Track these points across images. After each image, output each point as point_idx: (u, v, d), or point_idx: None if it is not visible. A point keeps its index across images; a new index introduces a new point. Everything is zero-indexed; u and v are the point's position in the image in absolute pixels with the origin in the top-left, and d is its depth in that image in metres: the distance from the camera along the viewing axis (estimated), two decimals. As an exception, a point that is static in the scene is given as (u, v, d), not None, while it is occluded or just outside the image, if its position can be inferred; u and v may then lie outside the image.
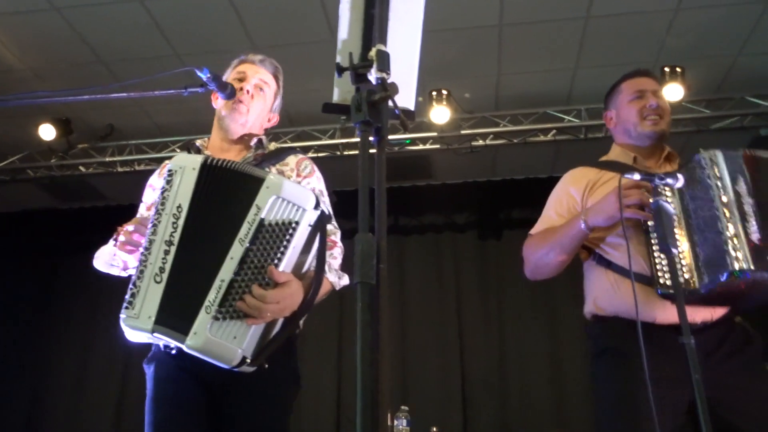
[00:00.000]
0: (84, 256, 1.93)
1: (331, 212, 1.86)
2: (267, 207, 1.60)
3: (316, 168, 1.99)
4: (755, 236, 1.77)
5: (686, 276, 1.82)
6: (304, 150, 4.93)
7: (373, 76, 0.99)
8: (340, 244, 1.89)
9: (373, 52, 1.00)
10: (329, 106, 1.14)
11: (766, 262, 1.74)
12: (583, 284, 2.16)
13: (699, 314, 1.89)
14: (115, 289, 1.96)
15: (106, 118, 5.02)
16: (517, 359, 5.10)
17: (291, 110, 4.86)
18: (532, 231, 2.19)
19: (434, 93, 4.53)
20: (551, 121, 4.75)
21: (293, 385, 1.82)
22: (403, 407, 3.80)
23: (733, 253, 1.76)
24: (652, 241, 1.88)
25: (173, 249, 1.58)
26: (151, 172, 2.04)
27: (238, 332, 1.55)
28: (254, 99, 1.95)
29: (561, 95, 4.72)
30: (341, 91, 1.12)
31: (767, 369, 1.96)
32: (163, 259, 1.57)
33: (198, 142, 1.99)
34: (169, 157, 5.06)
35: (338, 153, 4.92)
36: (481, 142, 4.85)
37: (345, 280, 1.85)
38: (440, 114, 4.55)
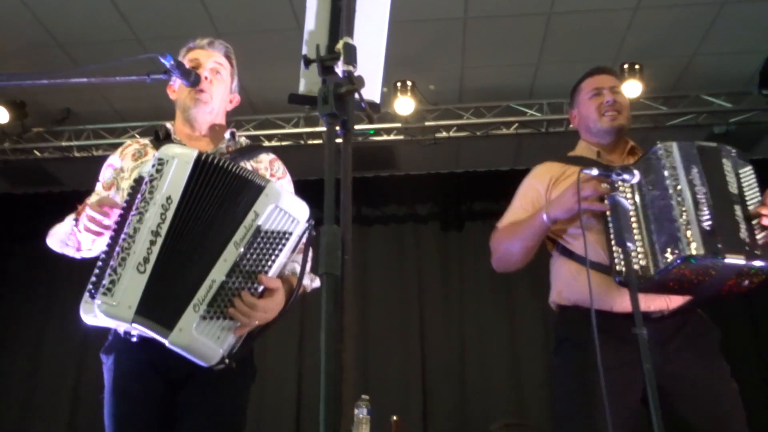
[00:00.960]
0: (39, 242, 1.88)
1: None
2: (265, 215, 1.62)
3: (287, 173, 2.01)
4: (707, 223, 1.84)
5: (642, 263, 1.89)
6: (268, 138, 4.91)
7: (339, 68, 1.00)
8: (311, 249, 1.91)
9: (340, 45, 1.01)
10: (295, 97, 1.14)
11: (717, 248, 1.81)
12: (550, 275, 2.24)
13: (655, 303, 1.97)
14: (72, 276, 1.92)
15: (63, 102, 4.89)
16: (477, 348, 5.17)
17: (254, 98, 4.81)
18: (499, 224, 2.26)
19: (399, 84, 4.54)
20: (514, 115, 4.80)
21: (249, 374, 1.83)
22: (363, 396, 3.82)
23: (685, 239, 1.83)
24: (611, 232, 1.95)
25: (160, 240, 1.56)
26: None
27: (222, 333, 1.57)
28: (213, 84, 1.94)
29: (524, 89, 4.78)
30: (307, 82, 1.13)
31: (722, 361, 2.03)
32: (149, 249, 1.55)
33: (168, 125, 1.95)
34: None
35: (302, 142, 4.89)
36: (444, 134, 4.89)
37: (316, 283, 1.86)
38: (405, 105, 4.57)
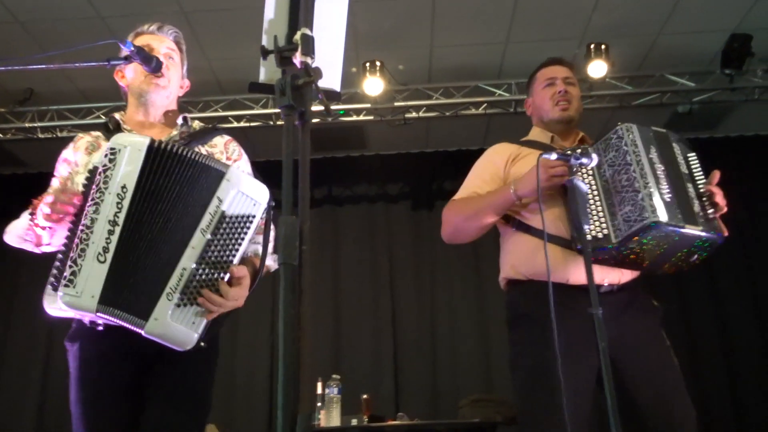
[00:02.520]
0: (3, 225, 1.86)
1: None
2: (228, 200, 1.64)
3: (243, 150, 2.00)
4: (667, 195, 1.96)
5: (605, 232, 1.99)
6: (236, 119, 4.86)
7: (297, 59, 1.01)
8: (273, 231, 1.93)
9: (297, 36, 1.01)
10: (255, 86, 1.14)
11: (678, 217, 1.93)
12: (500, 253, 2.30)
13: (609, 276, 2.06)
14: (36, 262, 1.90)
15: (26, 82, 4.77)
16: (448, 326, 5.25)
17: (222, 78, 4.76)
18: (456, 197, 2.31)
19: (368, 64, 4.52)
20: (482, 95, 4.82)
21: (213, 355, 1.85)
22: (334, 376, 3.86)
23: (650, 207, 1.93)
24: (570, 214, 2.03)
25: (118, 230, 1.56)
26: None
27: (196, 318, 1.61)
28: (170, 69, 1.92)
29: (492, 69, 4.80)
30: (267, 70, 1.13)
31: (664, 337, 2.12)
32: (107, 239, 1.55)
33: (117, 116, 1.93)
34: (93, 125, 4.87)
35: (271, 123, 4.86)
36: (414, 114, 4.90)
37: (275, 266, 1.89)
38: (374, 85, 4.56)
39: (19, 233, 1.78)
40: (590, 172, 2.07)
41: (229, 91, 4.86)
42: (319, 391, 3.76)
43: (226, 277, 1.64)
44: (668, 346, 2.10)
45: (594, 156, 1.95)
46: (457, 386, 4.86)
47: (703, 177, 2.09)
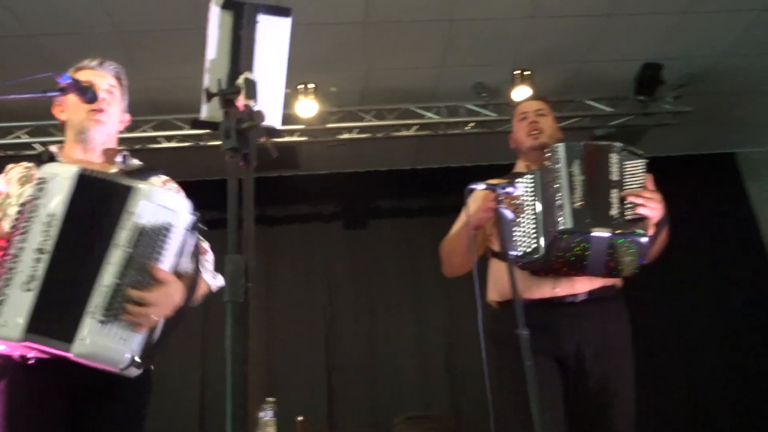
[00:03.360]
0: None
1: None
2: (140, 212, 1.63)
3: (180, 189, 2.01)
4: (578, 204, 2.16)
5: (533, 246, 2.19)
6: (167, 139, 4.80)
7: (241, 102, 1.05)
8: (210, 251, 1.96)
9: (241, 80, 1.06)
10: (198, 123, 1.17)
11: (584, 223, 2.13)
12: None
13: (579, 286, 2.28)
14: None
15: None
16: (384, 345, 5.28)
17: (154, 98, 4.68)
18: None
19: (300, 86, 4.56)
20: (413, 117, 4.94)
21: (148, 389, 1.85)
22: (268, 399, 3.84)
23: (560, 218, 2.14)
24: (516, 229, 2.24)
25: (46, 257, 1.56)
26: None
27: (125, 333, 1.58)
28: (111, 105, 1.93)
29: (425, 92, 4.92)
30: (210, 108, 1.16)
31: (627, 348, 2.32)
32: (34, 267, 1.55)
33: (52, 149, 1.91)
34: (15, 145, 4.65)
35: (201, 143, 4.81)
36: (347, 136, 4.96)
37: (219, 281, 1.90)
38: (307, 107, 4.60)
39: None
40: (532, 194, 2.26)
41: (160, 111, 4.79)
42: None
43: (151, 282, 1.63)
44: (629, 357, 2.30)
45: (518, 185, 2.10)
46: (393, 405, 4.89)
47: (640, 181, 2.26)
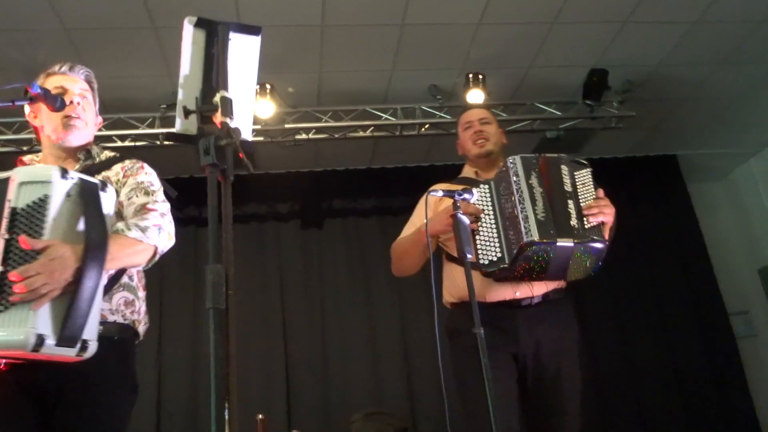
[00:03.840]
0: None
1: (160, 191, 1.94)
2: (14, 196, 1.61)
3: (146, 165, 2.01)
4: (541, 215, 2.26)
5: (498, 255, 2.28)
6: (121, 138, 4.75)
7: (217, 119, 1.11)
8: (159, 212, 1.90)
9: (217, 98, 1.12)
10: (173, 136, 1.23)
11: (550, 233, 2.23)
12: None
13: (522, 291, 2.40)
14: None
15: None
16: (338, 343, 5.36)
17: (105, 96, 4.59)
18: (399, 238, 2.63)
19: (258, 87, 4.58)
20: (370, 118, 5.02)
21: (130, 392, 1.83)
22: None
23: (525, 229, 2.24)
24: (476, 236, 2.33)
25: None
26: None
27: (23, 314, 1.53)
28: (86, 110, 1.96)
29: (379, 94, 5.01)
30: (183, 123, 1.21)
31: (574, 349, 2.46)
32: None
33: (27, 159, 1.95)
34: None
35: (158, 143, 4.78)
36: (304, 136, 5.01)
37: (164, 240, 1.86)
38: (264, 108, 4.63)
39: None
40: (489, 203, 2.37)
41: (112, 110, 4.73)
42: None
43: (34, 255, 1.57)
44: (575, 357, 2.44)
45: (474, 191, 2.20)
46: (349, 402, 4.98)
47: (591, 191, 2.41)
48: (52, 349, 1.54)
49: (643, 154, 6.35)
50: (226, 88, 1.14)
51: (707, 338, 5.71)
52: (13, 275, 1.51)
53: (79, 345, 1.58)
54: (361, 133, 5.08)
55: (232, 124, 1.10)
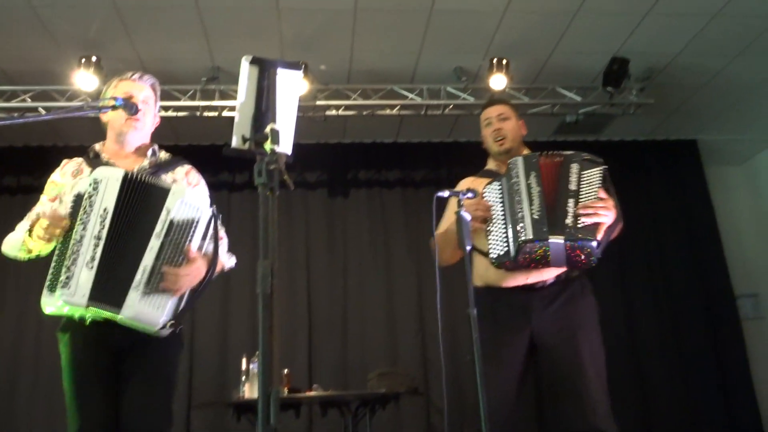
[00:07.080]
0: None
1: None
2: (174, 209, 2.07)
3: (201, 178, 2.42)
4: (536, 214, 2.45)
5: (505, 249, 2.50)
6: (164, 109, 5.08)
7: (268, 146, 1.42)
8: (225, 237, 2.38)
9: (268, 130, 1.43)
10: (229, 150, 1.54)
11: (542, 232, 2.43)
12: None
13: (533, 277, 2.58)
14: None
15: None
16: (358, 305, 5.70)
17: (150, 69, 4.93)
18: (436, 232, 2.76)
19: (293, 65, 4.85)
20: (396, 98, 5.27)
21: (178, 345, 2.29)
22: (257, 352, 4.23)
23: (522, 228, 2.44)
24: (488, 232, 2.56)
25: (102, 243, 2.00)
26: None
27: (161, 303, 2.04)
28: (146, 114, 2.32)
29: (406, 74, 5.25)
30: (237, 139, 1.53)
31: (590, 322, 2.63)
32: (94, 250, 1.98)
33: (96, 147, 2.32)
34: (20, 108, 4.88)
35: (198, 114, 5.10)
36: (334, 113, 5.29)
37: (233, 261, 2.39)
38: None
39: (15, 245, 2.18)
40: (499, 199, 2.57)
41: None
42: (244, 366, 4.15)
43: (182, 261, 2.07)
44: (594, 324, 2.60)
45: (476, 191, 2.44)
46: (365, 361, 5.33)
47: (595, 190, 2.49)
48: (163, 331, 2.08)
49: (663, 138, 6.49)
50: (275, 120, 1.45)
51: (712, 318, 5.91)
52: (168, 270, 2.03)
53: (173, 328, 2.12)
54: (388, 112, 5.33)
55: (278, 149, 1.42)
